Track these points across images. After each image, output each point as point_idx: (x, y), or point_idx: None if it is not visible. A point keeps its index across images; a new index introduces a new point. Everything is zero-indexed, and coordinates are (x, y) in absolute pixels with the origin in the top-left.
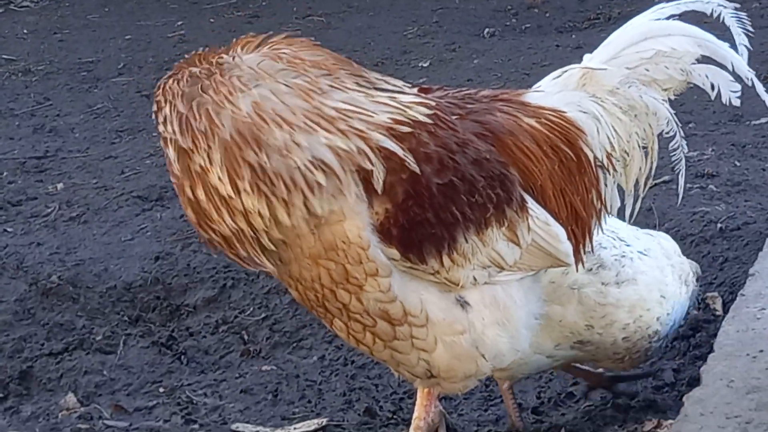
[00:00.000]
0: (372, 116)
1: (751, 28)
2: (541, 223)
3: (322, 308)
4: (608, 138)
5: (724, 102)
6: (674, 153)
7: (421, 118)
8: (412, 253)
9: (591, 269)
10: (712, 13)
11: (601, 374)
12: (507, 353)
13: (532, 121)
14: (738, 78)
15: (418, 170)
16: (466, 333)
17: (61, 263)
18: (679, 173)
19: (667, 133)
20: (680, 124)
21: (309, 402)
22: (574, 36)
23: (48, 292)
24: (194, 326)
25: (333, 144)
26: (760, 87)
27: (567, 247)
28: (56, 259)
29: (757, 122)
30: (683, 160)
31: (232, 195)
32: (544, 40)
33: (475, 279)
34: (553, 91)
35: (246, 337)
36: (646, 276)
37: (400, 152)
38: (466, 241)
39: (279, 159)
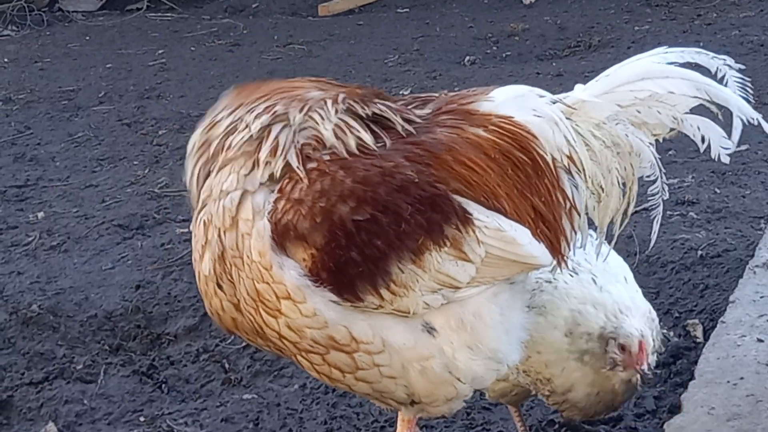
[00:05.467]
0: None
1: (753, 99)
2: (493, 232)
3: (272, 343)
4: (566, 140)
5: (713, 157)
6: (652, 198)
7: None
8: (347, 293)
9: None
10: (716, 72)
11: None
12: (485, 374)
13: (479, 131)
14: (727, 131)
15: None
16: (434, 358)
17: (41, 292)
18: (655, 219)
19: (648, 177)
20: (661, 153)
21: (290, 431)
22: (554, 64)
23: (28, 321)
24: (175, 355)
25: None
26: (767, 126)
27: (530, 249)
28: (37, 288)
29: (737, 149)
30: (661, 206)
31: None
32: (524, 67)
33: (427, 304)
34: (506, 99)
35: (227, 365)
36: None
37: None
38: (402, 271)
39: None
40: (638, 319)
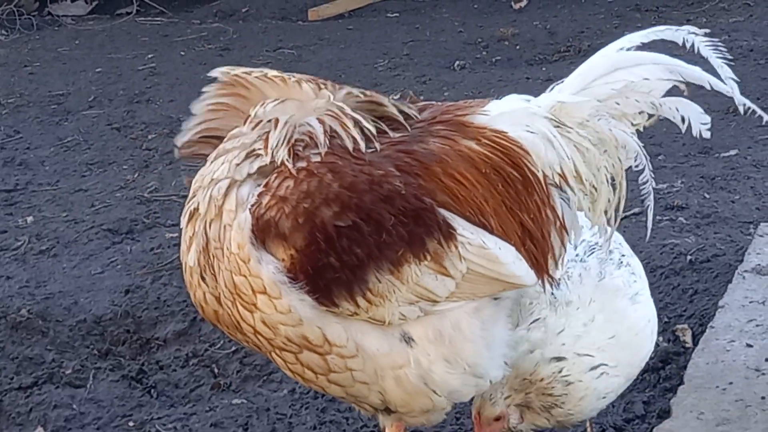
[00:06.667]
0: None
1: (729, 55)
2: (476, 249)
3: (249, 339)
4: (559, 157)
5: (694, 135)
6: (643, 186)
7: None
8: (323, 297)
9: None
10: (683, 42)
11: None
12: (462, 388)
13: (471, 144)
14: (709, 112)
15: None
16: (408, 367)
17: (30, 297)
18: (648, 207)
19: (636, 166)
20: (649, 158)
21: None
22: (544, 68)
23: (17, 325)
24: (164, 360)
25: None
26: (741, 99)
27: (513, 268)
28: (26, 293)
29: (726, 154)
30: (652, 194)
31: None
32: (514, 72)
33: (403, 315)
34: (501, 113)
35: (216, 370)
36: None
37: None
38: (380, 281)
39: None
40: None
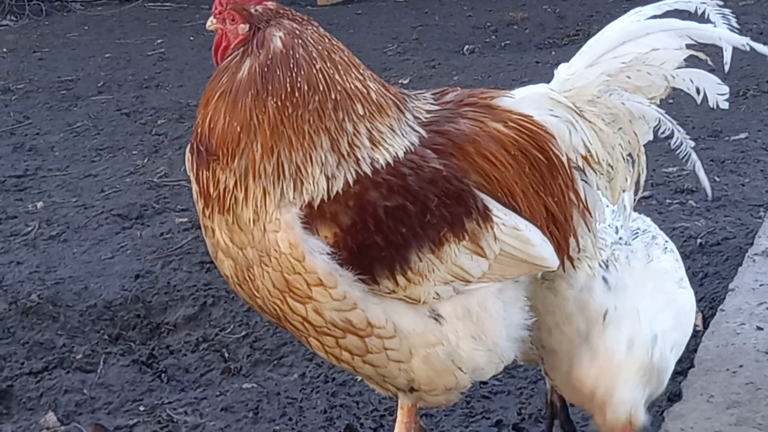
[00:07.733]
0: None
1: (736, 24)
2: (509, 230)
3: (289, 324)
4: (583, 141)
5: (711, 106)
6: (680, 149)
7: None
8: (365, 274)
9: None
10: (696, 11)
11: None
12: (486, 366)
13: (499, 126)
14: (721, 82)
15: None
16: (439, 345)
17: (40, 282)
18: (695, 165)
19: (662, 132)
20: (661, 136)
21: (290, 420)
22: (553, 52)
23: (28, 310)
24: (174, 344)
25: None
26: (760, 47)
27: (541, 250)
28: (36, 278)
29: (736, 138)
30: (693, 153)
31: None
32: (523, 56)
33: (437, 294)
34: (525, 97)
35: (226, 354)
36: None
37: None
38: (420, 260)
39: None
40: (629, 387)
